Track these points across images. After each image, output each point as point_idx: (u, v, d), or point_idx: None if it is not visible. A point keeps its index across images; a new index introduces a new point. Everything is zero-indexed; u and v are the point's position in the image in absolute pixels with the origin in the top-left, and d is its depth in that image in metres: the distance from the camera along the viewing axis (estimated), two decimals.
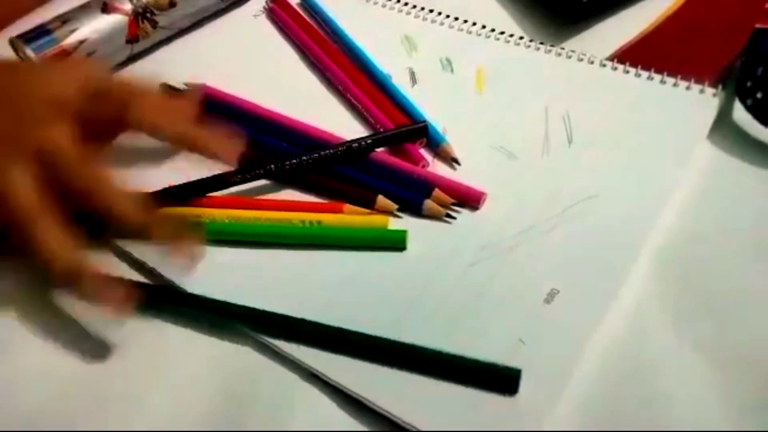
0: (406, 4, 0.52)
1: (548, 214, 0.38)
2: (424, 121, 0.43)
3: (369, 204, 0.39)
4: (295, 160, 0.40)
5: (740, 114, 0.42)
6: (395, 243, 0.37)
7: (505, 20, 0.50)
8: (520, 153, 0.41)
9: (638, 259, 0.35)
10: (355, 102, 0.45)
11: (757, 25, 0.45)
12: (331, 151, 0.40)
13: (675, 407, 0.30)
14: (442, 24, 0.50)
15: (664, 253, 0.36)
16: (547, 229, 0.37)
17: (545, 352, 0.32)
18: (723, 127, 0.42)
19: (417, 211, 0.38)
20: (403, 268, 0.36)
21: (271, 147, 0.42)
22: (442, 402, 0.31)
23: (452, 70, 0.47)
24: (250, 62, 0.49)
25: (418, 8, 0.52)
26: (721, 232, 0.37)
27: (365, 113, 0.45)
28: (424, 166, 0.41)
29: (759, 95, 0.41)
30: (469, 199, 0.39)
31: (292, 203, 0.39)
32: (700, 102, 0.43)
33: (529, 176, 0.40)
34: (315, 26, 0.51)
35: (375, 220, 0.38)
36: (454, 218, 0.38)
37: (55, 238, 0.32)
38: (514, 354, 0.32)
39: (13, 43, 0.46)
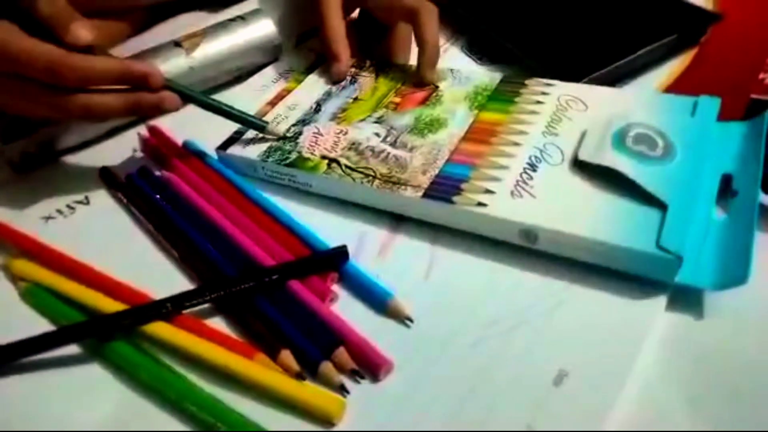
0: None
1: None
2: (344, 246, 0.39)
3: (272, 354, 0.34)
4: (195, 300, 0.37)
5: None
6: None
7: None
8: None
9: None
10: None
11: (753, 96, 0.46)
12: (236, 287, 0.37)
13: None
14: None
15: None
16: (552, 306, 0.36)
17: None
18: None
19: (312, 372, 0.34)
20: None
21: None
22: None
23: None
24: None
25: None
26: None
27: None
28: (331, 300, 0.38)
29: None
30: (370, 366, 0.34)
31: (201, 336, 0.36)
32: None
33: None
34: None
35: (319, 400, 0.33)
36: (347, 392, 0.33)
37: None
38: None
39: None
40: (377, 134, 0.46)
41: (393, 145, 0.45)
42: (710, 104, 0.42)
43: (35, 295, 0.40)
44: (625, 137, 0.40)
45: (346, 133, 0.47)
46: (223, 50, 0.55)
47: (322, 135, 0.47)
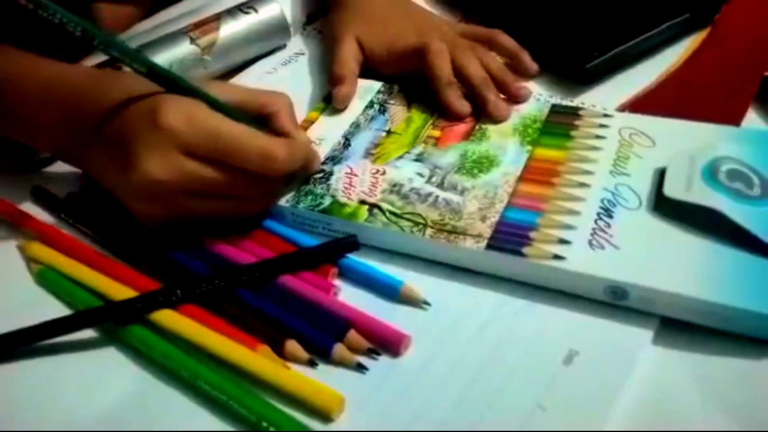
0: None
1: None
2: (354, 236, 0.38)
3: (276, 347, 0.33)
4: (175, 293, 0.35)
5: None
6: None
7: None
8: None
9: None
10: None
11: (767, 74, 0.46)
12: (234, 278, 0.36)
13: None
14: None
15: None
16: None
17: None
18: None
19: (326, 356, 0.33)
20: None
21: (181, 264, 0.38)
22: None
23: None
24: None
25: None
26: None
27: None
28: (335, 294, 0.36)
29: None
30: (388, 343, 0.33)
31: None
32: None
33: None
34: None
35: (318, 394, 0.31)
36: (366, 369, 0.33)
37: None
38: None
39: None
40: (420, 174, 0.41)
41: (440, 186, 0.40)
42: None
43: (48, 278, 0.39)
44: (716, 173, 0.36)
45: (383, 173, 0.41)
46: (234, 39, 0.53)
47: (357, 175, 0.42)
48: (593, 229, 0.35)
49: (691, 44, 0.51)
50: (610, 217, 0.36)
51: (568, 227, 0.36)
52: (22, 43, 0.41)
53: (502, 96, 0.46)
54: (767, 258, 0.32)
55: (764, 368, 0.31)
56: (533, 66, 0.49)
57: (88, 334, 0.36)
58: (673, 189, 0.36)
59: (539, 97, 0.47)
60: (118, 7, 0.60)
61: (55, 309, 0.37)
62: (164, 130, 0.34)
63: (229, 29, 0.52)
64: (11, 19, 0.39)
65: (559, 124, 0.43)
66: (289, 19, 0.57)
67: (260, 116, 0.40)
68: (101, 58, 0.48)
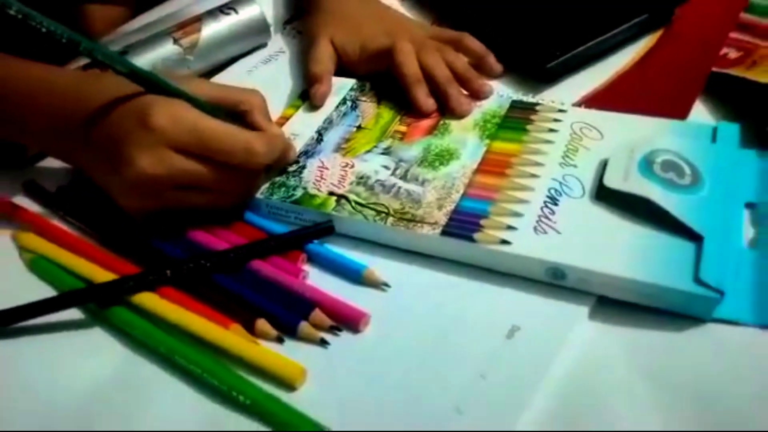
0: None
1: None
2: (330, 221, 0.41)
3: (248, 326, 0.36)
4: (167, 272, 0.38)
5: None
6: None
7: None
8: None
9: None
10: None
11: (714, 69, 0.49)
12: (208, 262, 0.39)
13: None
14: None
15: None
16: None
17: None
18: None
19: (292, 333, 0.36)
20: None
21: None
22: None
23: None
24: None
25: None
26: None
27: None
28: (304, 278, 0.39)
29: None
30: (349, 321, 0.37)
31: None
32: None
33: None
34: None
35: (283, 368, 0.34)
36: (328, 344, 0.36)
37: None
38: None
39: None
40: (386, 167, 0.44)
41: (404, 178, 0.43)
42: (730, 130, 0.41)
43: (40, 265, 0.42)
44: (652, 164, 0.39)
45: (352, 166, 0.45)
46: (215, 39, 0.56)
47: (327, 168, 0.45)
48: (539, 216, 0.39)
49: (648, 43, 0.54)
50: (555, 204, 0.39)
51: (516, 214, 0.39)
52: (8, 47, 0.44)
53: (465, 93, 0.49)
54: (692, 241, 0.36)
55: (684, 339, 0.34)
56: (497, 66, 0.52)
57: (75, 315, 0.39)
58: (611, 179, 0.39)
59: (502, 93, 0.50)
60: (106, 8, 0.63)
61: (48, 294, 0.39)
62: (153, 130, 0.37)
63: (211, 30, 0.55)
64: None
65: (517, 119, 0.46)
66: (270, 19, 0.60)
67: (235, 112, 0.43)
68: (86, 60, 0.50)
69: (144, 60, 0.52)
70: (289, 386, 0.34)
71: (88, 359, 0.37)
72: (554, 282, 0.37)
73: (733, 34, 0.52)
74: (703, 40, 0.53)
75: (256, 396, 0.33)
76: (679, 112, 0.47)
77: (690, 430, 0.31)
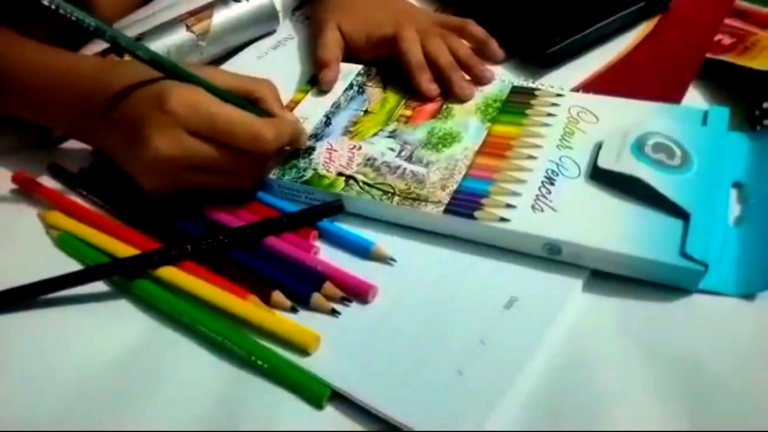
0: None
1: None
2: (339, 200, 0.43)
3: (264, 297, 0.39)
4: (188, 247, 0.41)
5: None
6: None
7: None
8: None
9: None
10: None
11: (708, 55, 0.50)
12: (225, 237, 0.41)
13: (615, 402, 0.34)
14: None
15: None
16: None
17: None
18: None
19: (305, 304, 0.39)
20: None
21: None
22: (430, 399, 0.34)
23: None
24: None
25: None
26: None
27: None
28: (315, 254, 0.42)
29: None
30: (358, 293, 0.39)
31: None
32: None
33: None
34: None
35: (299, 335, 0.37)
36: (339, 313, 0.38)
37: None
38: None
39: None
40: (392, 149, 0.46)
41: (408, 160, 0.45)
42: (720, 114, 0.43)
43: (67, 242, 0.44)
44: (643, 146, 0.41)
45: (359, 148, 0.47)
46: (226, 26, 0.58)
47: (336, 150, 0.47)
48: (536, 195, 0.41)
49: (645, 29, 0.56)
50: (552, 184, 0.41)
51: (515, 194, 0.41)
52: (30, 33, 0.46)
53: (467, 78, 0.51)
54: (680, 218, 0.38)
55: (673, 310, 0.37)
56: (499, 52, 0.54)
57: (102, 288, 0.41)
58: (605, 160, 0.41)
59: (503, 78, 0.52)
60: None
61: (75, 268, 0.42)
62: (170, 114, 0.40)
63: (222, 16, 0.57)
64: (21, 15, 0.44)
65: (517, 104, 0.48)
66: (278, 5, 0.62)
67: (250, 100, 0.45)
68: (100, 45, 0.52)
69: (158, 45, 0.54)
70: (304, 352, 0.37)
71: (115, 328, 0.39)
72: (550, 257, 0.39)
73: (727, 21, 0.54)
74: (698, 26, 0.55)
75: (275, 360, 0.36)
76: (674, 96, 0.49)
77: (676, 392, 0.34)
